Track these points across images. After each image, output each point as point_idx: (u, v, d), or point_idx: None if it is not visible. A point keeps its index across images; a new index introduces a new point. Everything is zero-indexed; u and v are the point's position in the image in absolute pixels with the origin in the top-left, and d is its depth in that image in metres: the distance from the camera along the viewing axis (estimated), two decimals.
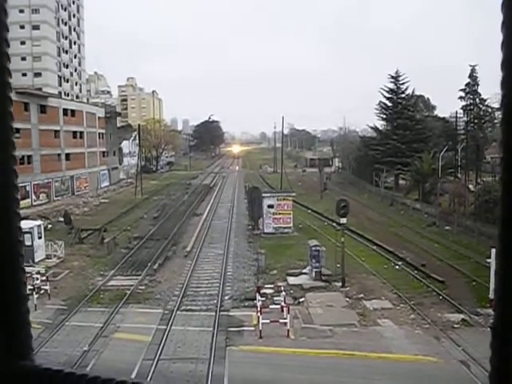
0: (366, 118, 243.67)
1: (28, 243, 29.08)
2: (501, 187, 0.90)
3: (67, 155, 62.77)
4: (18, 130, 49.84)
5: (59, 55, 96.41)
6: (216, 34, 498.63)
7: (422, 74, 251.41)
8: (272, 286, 25.42)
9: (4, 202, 1.01)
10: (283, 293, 22.80)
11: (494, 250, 21.95)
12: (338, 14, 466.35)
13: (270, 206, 39.35)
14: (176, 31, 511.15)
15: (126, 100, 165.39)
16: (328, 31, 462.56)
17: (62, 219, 44.27)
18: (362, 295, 24.61)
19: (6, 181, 1.01)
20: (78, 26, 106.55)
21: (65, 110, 63.70)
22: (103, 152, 76.20)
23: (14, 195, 1.02)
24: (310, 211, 50.25)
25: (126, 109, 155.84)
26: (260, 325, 19.67)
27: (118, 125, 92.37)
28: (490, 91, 67.94)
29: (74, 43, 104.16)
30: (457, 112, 66.50)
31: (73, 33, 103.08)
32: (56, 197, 57.75)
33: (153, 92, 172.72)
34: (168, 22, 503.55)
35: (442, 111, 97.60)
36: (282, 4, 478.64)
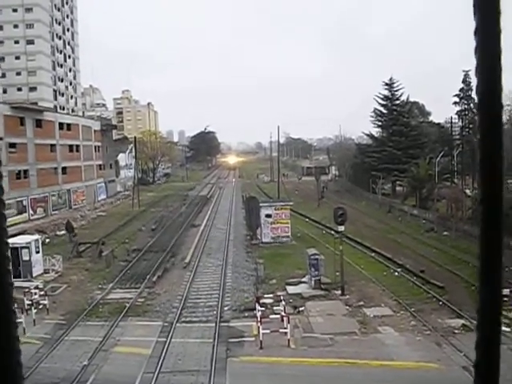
0: (362, 127, 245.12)
1: (26, 258, 28.98)
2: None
3: (64, 169, 62.71)
4: (14, 145, 49.81)
5: (54, 69, 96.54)
6: (211, 46, 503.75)
7: (418, 80, 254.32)
8: (271, 295, 25.30)
9: None
10: (283, 302, 22.63)
11: None
12: (340, 17, 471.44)
13: (268, 216, 39.27)
14: (171, 44, 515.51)
15: (121, 113, 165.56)
16: (330, 33, 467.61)
17: (59, 233, 44.15)
18: (361, 303, 24.53)
19: None
20: (73, 39, 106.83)
21: (60, 124, 63.64)
22: (100, 165, 76.17)
23: (0, 210, 1.01)
24: (307, 220, 50.24)
25: (121, 121, 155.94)
26: (260, 335, 19.57)
27: (114, 137, 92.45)
28: None
29: (69, 57, 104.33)
30: (452, 117, 66.77)
31: (67, 47, 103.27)
32: (53, 211, 57.56)
33: (148, 104, 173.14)
34: (162, 34, 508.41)
35: (438, 117, 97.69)
36: (280, 22, 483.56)
